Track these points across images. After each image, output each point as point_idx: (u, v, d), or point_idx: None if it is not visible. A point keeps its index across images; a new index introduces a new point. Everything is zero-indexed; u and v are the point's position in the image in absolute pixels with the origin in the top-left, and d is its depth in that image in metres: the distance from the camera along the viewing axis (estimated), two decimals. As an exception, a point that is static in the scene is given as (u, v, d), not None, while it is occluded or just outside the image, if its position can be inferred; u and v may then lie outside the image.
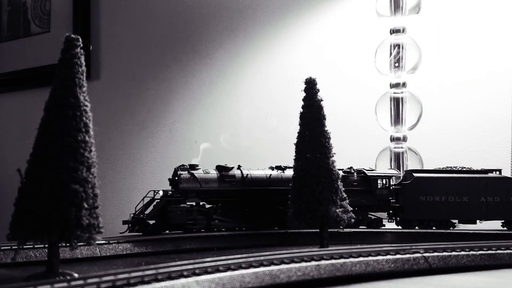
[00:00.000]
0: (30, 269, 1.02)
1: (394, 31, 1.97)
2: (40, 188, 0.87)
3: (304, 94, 1.29)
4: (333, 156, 1.27)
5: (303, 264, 0.97)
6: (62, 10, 3.06)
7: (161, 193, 1.49)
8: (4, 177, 3.02)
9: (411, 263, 1.07)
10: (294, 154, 1.30)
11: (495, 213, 1.52)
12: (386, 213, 1.61)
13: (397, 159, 1.95)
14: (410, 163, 1.94)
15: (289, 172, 1.56)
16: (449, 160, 2.04)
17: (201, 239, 1.44)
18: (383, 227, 1.61)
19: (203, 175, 1.51)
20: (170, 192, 1.49)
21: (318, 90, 1.29)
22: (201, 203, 1.51)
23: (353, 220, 1.27)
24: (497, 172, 1.57)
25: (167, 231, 1.48)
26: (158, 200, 1.48)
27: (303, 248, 1.17)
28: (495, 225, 1.57)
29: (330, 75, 2.31)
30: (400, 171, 1.84)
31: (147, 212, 1.47)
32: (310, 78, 1.30)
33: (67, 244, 0.88)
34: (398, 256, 1.07)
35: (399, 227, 1.58)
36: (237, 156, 2.48)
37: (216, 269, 0.88)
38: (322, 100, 1.29)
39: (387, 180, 1.59)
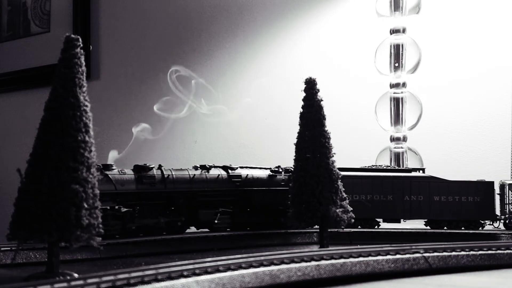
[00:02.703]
0: (30, 269, 1.02)
1: (394, 31, 1.97)
2: (40, 188, 0.87)
3: (304, 94, 1.29)
4: (333, 156, 1.26)
5: (303, 264, 0.97)
6: (62, 10, 3.06)
7: None
8: (4, 177, 3.02)
9: (411, 263, 1.07)
10: (294, 154, 1.29)
11: (418, 212, 1.51)
12: None
13: (397, 159, 1.95)
14: (410, 163, 1.94)
15: (214, 172, 1.49)
16: (449, 160, 2.04)
17: (201, 239, 1.43)
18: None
19: (119, 176, 1.36)
20: None
21: (318, 90, 1.29)
22: (116, 207, 1.35)
23: (352, 220, 1.27)
24: (421, 171, 1.56)
25: None
26: None
27: (303, 248, 1.17)
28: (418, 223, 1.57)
29: (330, 75, 2.31)
30: None
31: None
32: (310, 78, 1.29)
33: (67, 245, 0.88)
34: (398, 256, 1.07)
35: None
36: (238, 156, 2.48)
37: (216, 269, 0.88)
38: (322, 100, 1.28)
39: None
